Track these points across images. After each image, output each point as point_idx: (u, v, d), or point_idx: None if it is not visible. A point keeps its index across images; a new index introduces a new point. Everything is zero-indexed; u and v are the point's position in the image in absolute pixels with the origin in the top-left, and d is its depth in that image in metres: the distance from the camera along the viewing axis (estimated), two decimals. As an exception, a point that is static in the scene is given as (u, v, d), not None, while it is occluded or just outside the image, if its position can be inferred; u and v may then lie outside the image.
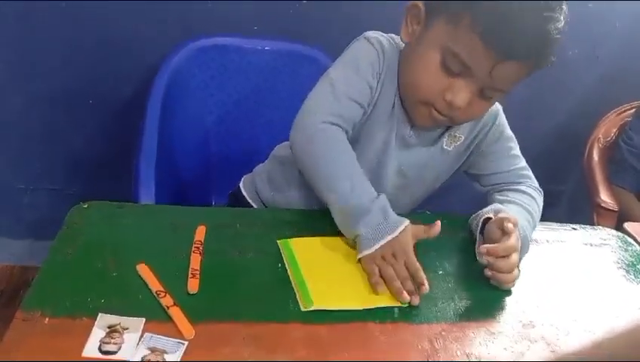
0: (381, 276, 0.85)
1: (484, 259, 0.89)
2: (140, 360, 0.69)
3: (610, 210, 1.59)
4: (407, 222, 0.89)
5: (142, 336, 0.73)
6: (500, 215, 0.94)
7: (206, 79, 1.55)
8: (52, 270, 0.82)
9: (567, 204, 2.19)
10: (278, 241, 0.94)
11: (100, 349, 0.70)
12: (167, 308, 0.77)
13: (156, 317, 0.76)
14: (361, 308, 0.83)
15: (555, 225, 1.13)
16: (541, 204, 1.08)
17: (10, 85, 1.71)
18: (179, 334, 0.74)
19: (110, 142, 1.83)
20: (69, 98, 1.76)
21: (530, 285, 0.94)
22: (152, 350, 0.71)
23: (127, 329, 0.74)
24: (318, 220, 1.01)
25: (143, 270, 0.84)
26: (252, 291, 0.84)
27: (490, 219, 0.96)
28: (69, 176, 1.88)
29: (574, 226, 1.14)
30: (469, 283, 0.92)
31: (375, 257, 0.87)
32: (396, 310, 0.84)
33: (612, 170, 1.73)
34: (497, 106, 1.08)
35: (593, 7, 1.83)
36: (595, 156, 1.75)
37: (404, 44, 0.99)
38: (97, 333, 0.72)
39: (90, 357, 0.69)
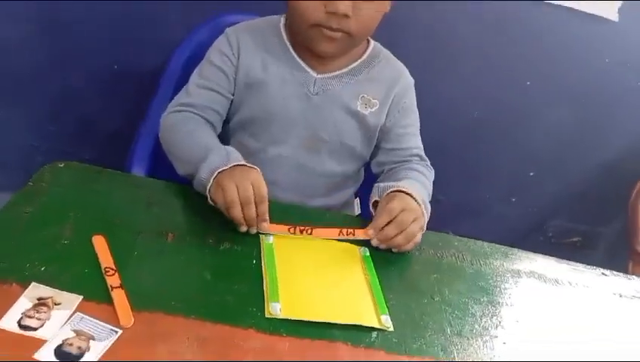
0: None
1: (381, 246, 0.88)
2: (59, 342, 0.60)
3: (649, 259, 1.43)
4: (246, 163, 0.87)
5: (72, 315, 0.63)
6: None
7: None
8: (1, 225, 0.74)
9: (605, 249, 2.03)
10: (260, 235, 0.84)
11: (19, 323, 0.61)
12: (112, 288, 0.68)
13: (96, 297, 0.66)
14: (333, 321, 0.71)
15: (581, 267, 0.99)
16: (431, 176, 1.07)
17: (33, 42, 1.67)
18: (115, 320, 0.64)
19: (130, 110, 1.76)
20: (93, 60, 1.71)
21: (536, 329, 0.82)
22: (78, 333, 0.62)
23: (58, 304, 0.65)
24: (309, 215, 0.92)
25: (98, 242, 0.74)
26: (215, 286, 0.74)
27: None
28: (83, 140, 1.82)
29: (605, 271, 1.00)
30: (467, 316, 0.79)
31: (219, 188, 0.83)
32: (374, 333, 0.72)
33: None
34: (411, 80, 1.09)
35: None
36: (643, 199, 1.59)
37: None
38: (22, 304, 0.63)
39: (6, 329, 0.60)
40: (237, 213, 0.81)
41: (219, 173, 0.84)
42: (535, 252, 1.02)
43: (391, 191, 0.92)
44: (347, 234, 0.88)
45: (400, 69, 1.08)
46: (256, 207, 0.82)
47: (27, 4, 1.63)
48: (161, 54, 1.62)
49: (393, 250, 0.88)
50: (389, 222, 0.87)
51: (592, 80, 1.78)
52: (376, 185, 0.99)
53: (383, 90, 1.04)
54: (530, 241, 2.01)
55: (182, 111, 1.00)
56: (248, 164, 0.87)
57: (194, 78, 1.04)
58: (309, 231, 0.87)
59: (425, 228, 0.92)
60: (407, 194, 0.92)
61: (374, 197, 0.96)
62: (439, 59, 1.72)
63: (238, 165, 0.86)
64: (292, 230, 0.86)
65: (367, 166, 1.14)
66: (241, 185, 0.82)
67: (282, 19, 1.04)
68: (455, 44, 1.72)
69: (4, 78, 1.74)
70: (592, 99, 1.81)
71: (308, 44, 0.98)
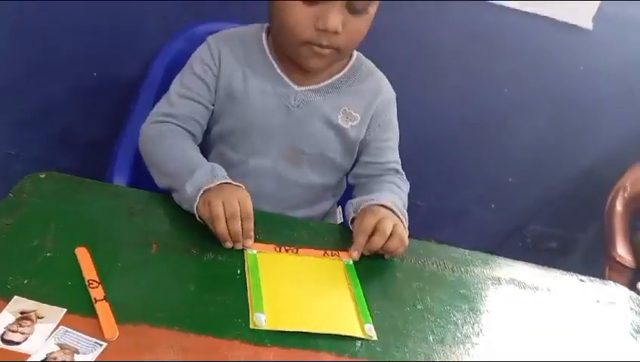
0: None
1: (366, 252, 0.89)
2: (43, 357, 0.59)
3: (624, 265, 1.46)
4: (232, 182, 0.87)
5: (56, 329, 0.63)
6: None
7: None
8: (-21, 238, 0.73)
9: (582, 254, 2.07)
10: (245, 247, 0.84)
11: (1, 337, 0.61)
12: (95, 301, 0.67)
13: (79, 311, 0.66)
14: (317, 331, 0.72)
15: (559, 273, 1.01)
16: (406, 188, 1.08)
17: (11, 50, 1.66)
18: (100, 333, 0.64)
19: (110, 119, 1.75)
20: (72, 69, 1.69)
21: (517, 336, 0.83)
22: (62, 347, 0.61)
23: (42, 318, 0.64)
24: (291, 226, 0.93)
25: (81, 254, 0.74)
26: (199, 297, 0.74)
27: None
28: (62, 148, 1.81)
29: (582, 278, 1.02)
30: (449, 324, 0.81)
31: (205, 204, 0.83)
32: (358, 343, 0.73)
33: None
34: (392, 94, 1.09)
35: (636, 42, 1.73)
36: (619, 206, 1.63)
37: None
38: (5, 318, 0.63)
39: (-12, 344, 0.60)
40: (222, 228, 0.81)
41: (205, 190, 0.84)
42: (514, 257, 1.03)
43: (364, 207, 0.93)
44: (332, 256, 0.88)
45: (382, 83, 1.08)
46: (241, 224, 0.82)
47: (5, 11, 1.61)
48: (139, 62, 1.62)
49: (386, 256, 0.90)
50: (370, 236, 0.87)
51: (568, 87, 1.82)
52: (349, 201, 0.99)
53: (364, 104, 1.04)
54: (509, 247, 2.04)
55: (164, 122, 0.99)
56: (234, 183, 0.87)
57: (175, 86, 1.03)
58: (295, 251, 0.87)
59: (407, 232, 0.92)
60: (381, 206, 0.92)
61: (351, 214, 0.96)
62: (420, 67, 1.74)
63: (224, 183, 0.86)
64: (277, 249, 0.86)
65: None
66: (227, 201, 0.81)
67: (264, 30, 1.04)
68: (435, 52, 1.74)
69: (-20, 86, 1.72)
70: (569, 106, 1.85)
71: (297, 60, 0.97)
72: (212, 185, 0.85)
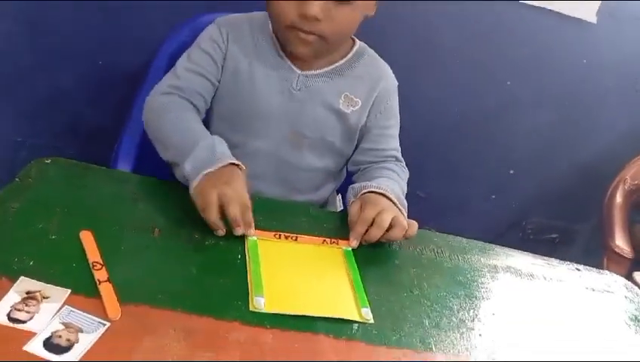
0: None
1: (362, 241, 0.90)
2: (48, 335, 0.61)
3: (622, 256, 1.47)
4: (233, 160, 0.88)
5: (61, 308, 0.65)
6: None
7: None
8: (-13, 221, 0.75)
9: (582, 245, 2.08)
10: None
11: (8, 316, 0.62)
12: (99, 282, 0.69)
13: (83, 291, 0.68)
14: (315, 315, 0.74)
15: (555, 262, 1.03)
16: (405, 176, 1.10)
17: (20, 40, 1.67)
18: (103, 313, 0.66)
19: (115, 107, 1.77)
20: (78, 58, 1.71)
21: (512, 322, 0.85)
22: (67, 326, 0.63)
23: (47, 298, 0.66)
24: (293, 214, 0.95)
25: (86, 238, 0.76)
26: (200, 280, 0.75)
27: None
28: (69, 135, 1.83)
29: (578, 266, 1.04)
30: (445, 309, 0.82)
31: (204, 188, 0.83)
32: (355, 326, 0.74)
33: None
34: (394, 82, 1.11)
35: (636, 39, 1.73)
36: (618, 197, 1.64)
37: None
38: (11, 297, 0.65)
39: (-6, 321, 0.62)
40: (213, 217, 0.81)
41: (204, 175, 0.85)
42: (514, 248, 1.05)
43: (365, 193, 0.94)
44: (331, 243, 0.90)
45: (384, 70, 1.09)
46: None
47: (13, 3, 1.63)
48: (144, 52, 1.63)
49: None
50: (369, 228, 0.88)
51: (570, 81, 1.83)
52: (350, 186, 1.01)
53: (366, 90, 1.05)
54: (510, 238, 2.05)
55: (170, 93, 1.00)
56: (235, 161, 0.88)
57: (182, 61, 1.04)
58: (294, 238, 0.88)
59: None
60: (381, 193, 0.94)
61: (351, 199, 0.97)
62: (422, 59, 1.74)
63: (224, 166, 0.86)
64: (277, 236, 0.88)
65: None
66: (222, 192, 0.82)
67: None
68: (438, 45, 1.75)
69: (-12, 74, 1.74)
70: (571, 99, 1.85)
71: (285, 44, 1.00)
72: (211, 170, 0.85)
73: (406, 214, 0.96)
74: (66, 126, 1.83)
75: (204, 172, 0.85)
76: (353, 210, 0.92)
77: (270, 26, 1.03)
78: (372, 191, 0.95)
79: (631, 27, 1.75)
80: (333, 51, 1.03)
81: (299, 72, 1.02)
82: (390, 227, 0.89)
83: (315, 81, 1.03)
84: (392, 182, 1.00)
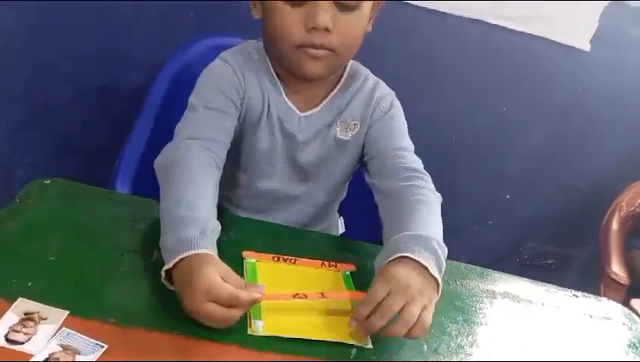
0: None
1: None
2: (45, 357, 0.61)
3: (619, 283, 1.48)
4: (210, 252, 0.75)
5: (59, 330, 0.65)
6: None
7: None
8: (-14, 241, 0.75)
9: (578, 271, 2.08)
10: (243, 256, 0.86)
11: (6, 337, 0.62)
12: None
13: (81, 313, 0.68)
14: (313, 338, 0.73)
15: (553, 288, 1.03)
16: (437, 201, 0.97)
17: (21, 58, 1.69)
18: (100, 335, 0.65)
19: (113, 127, 1.78)
20: (78, 77, 1.73)
21: (510, 348, 0.84)
22: (64, 347, 0.63)
23: (45, 319, 0.66)
24: (293, 239, 0.95)
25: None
26: (198, 302, 0.75)
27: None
28: (65, 155, 1.83)
29: (576, 293, 1.03)
30: (443, 335, 0.82)
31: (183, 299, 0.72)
32: (354, 351, 0.74)
33: None
34: (388, 90, 1.06)
35: (633, 64, 1.76)
36: (614, 224, 1.64)
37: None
38: (10, 318, 0.64)
39: (-8, 343, 0.61)
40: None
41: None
42: (510, 273, 1.05)
43: (393, 259, 0.80)
44: (329, 266, 0.89)
45: (377, 84, 1.06)
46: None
47: (14, 19, 1.64)
48: (144, 72, 1.65)
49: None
50: (374, 309, 0.75)
51: (565, 106, 1.85)
52: (378, 256, 0.85)
53: (362, 107, 1.03)
54: (506, 263, 2.05)
55: (192, 138, 0.90)
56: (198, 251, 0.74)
57: (198, 100, 0.96)
58: (293, 261, 0.88)
59: (433, 302, 0.78)
60: (409, 258, 0.79)
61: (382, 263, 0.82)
62: (418, 84, 1.76)
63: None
64: (276, 258, 0.88)
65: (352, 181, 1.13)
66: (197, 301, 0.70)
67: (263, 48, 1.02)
68: (434, 71, 1.77)
69: (-14, 92, 1.75)
70: (566, 125, 1.87)
71: (293, 67, 0.96)
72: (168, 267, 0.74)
73: (443, 264, 0.82)
74: (64, 146, 1.84)
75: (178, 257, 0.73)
76: (375, 288, 0.77)
77: (267, 59, 1.00)
78: (403, 256, 0.80)
79: (624, 54, 1.78)
80: (342, 67, 1.01)
81: (299, 113, 1.01)
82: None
83: (315, 120, 1.02)
84: (423, 225, 0.87)
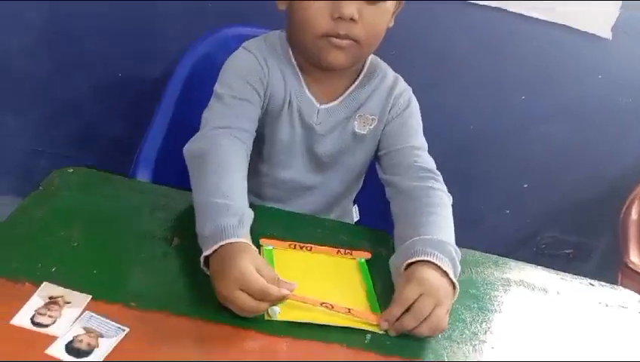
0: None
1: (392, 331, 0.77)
2: (70, 339, 0.63)
3: (637, 272, 1.47)
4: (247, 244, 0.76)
5: (82, 314, 0.67)
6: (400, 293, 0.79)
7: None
8: (12, 228, 0.78)
9: (597, 261, 2.06)
10: (260, 243, 0.87)
11: (32, 320, 0.65)
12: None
13: (104, 297, 0.70)
14: (329, 324, 0.75)
15: (569, 277, 1.03)
16: (449, 202, 1.00)
17: (40, 50, 1.72)
18: (122, 319, 0.67)
19: (133, 118, 1.80)
20: (99, 69, 1.76)
21: (524, 335, 0.85)
22: (88, 330, 0.65)
23: (69, 303, 0.68)
24: (310, 226, 0.96)
25: None
26: (216, 288, 0.77)
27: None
28: (87, 146, 1.86)
29: (592, 282, 1.03)
30: (457, 322, 0.83)
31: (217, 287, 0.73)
32: (369, 336, 0.75)
33: None
34: (406, 86, 1.07)
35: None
36: (634, 214, 1.63)
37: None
38: (35, 302, 0.67)
39: (19, 325, 0.64)
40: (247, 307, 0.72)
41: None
42: (528, 262, 1.05)
43: (413, 262, 0.82)
44: (345, 254, 0.91)
45: (396, 80, 1.07)
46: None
47: (36, 13, 1.67)
48: (162, 64, 1.67)
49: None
50: (405, 311, 0.77)
51: (585, 95, 1.83)
52: (394, 255, 0.88)
53: (381, 104, 1.05)
54: (524, 252, 2.04)
55: (221, 127, 0.92)
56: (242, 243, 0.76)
57: (224, 88, 0.97)
58: (309, 249, 0.90)
59: (451, 304, 0.81)
60: (430, 262, 0.81)
61: (399, 266, 0.84)
62: (437, 74, 1.76)
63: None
64: (292, 246, 0.89)
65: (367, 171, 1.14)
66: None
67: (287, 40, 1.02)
68: (453, 60, 1.76)
69: (9, 84, 1.78)
70: (586, 114, 1.85)
71: (316, 56, 0.96)
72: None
73: (458, 268, 0.85)
74: (85, 135, 1.87)
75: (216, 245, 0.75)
76: (399, 285, 0.81)
77: (292, 53, 1.01)
78: (425, 261, 0.82)
79: (646, 43, 1.75)
80: (363, 59, 1.02)
81: (318, 105, 1.02)
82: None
83: (333, 113, 1.03)
84: (441, 230, 0.89)
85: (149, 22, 1.70)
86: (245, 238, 0.77)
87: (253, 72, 0.98)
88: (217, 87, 0.98)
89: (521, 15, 1.68)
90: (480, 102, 1.83)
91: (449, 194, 1.00)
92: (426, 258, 0.82)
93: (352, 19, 0.90)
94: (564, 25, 1.70)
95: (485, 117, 1.85)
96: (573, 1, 1.65)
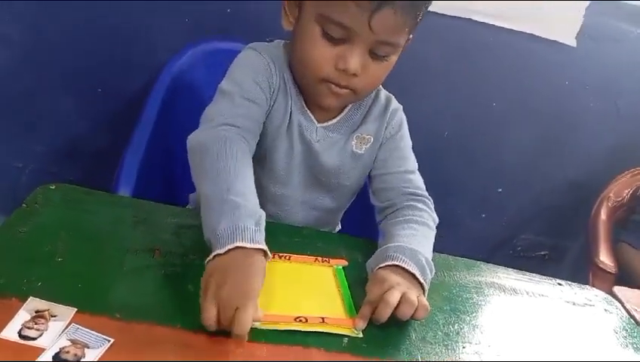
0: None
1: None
2: (57, 350, 0.66)
3: (607, 272, 1.52)
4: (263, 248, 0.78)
5: (68, 326, 0.69)
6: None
7: (211, 81, 1.53)
8: (-1, 244, 0.80)
9: (571, 262, 2.12)
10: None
11: (19, 333, 0.67)
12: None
13: (89, 310, 0.72)
14: (307, 330, 0.78)
15: (537, 277, 1.07)
16: (431, 221, 1.03)
17: (22, 65, 1.74)
18: (107, 331, 0.70)
19: (113, 133, 1.82)
20: (79, 84, 1.78)
21: (495, 335, 0.89)
22: (74, 342, 0.67)
23: (55, 316, 0.70)
24: (287, 236, 0.99)
25: None
26: (198, 298, 0.79)
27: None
28: (69, 161, 1.88)
29: (560, 281, 1.08)
30: (430, 323, 0.86)
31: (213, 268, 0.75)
32: (345, 340, 0.79)
33: (630, 229, 1.66)
34: (399, 106, 1.10)
35: (619, 58, 1.80)
36: (603, 214, 1.69)
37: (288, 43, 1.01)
38: (22, 316, 0.69)
39: (7, 338, 0.66)
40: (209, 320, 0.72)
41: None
42: (504, 265, 1.09)
43: (381, 267, 0.88)
44: (322, 262, 0.94)
45: (389, 97, 1.10)
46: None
47: (14, 27, 1.68)
48: (144, 77, 1.70)
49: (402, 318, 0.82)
50: (375, 308, 0.81)
51: (554, 101, 1.89)
52: (369, 260, 0.92)
53: (377, 124, 1.07)
54: (500, 255, 2.09)
55: (228, 125, 0.91)
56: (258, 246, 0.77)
57: (232, 86, 0.96)
58: (288, 258, 0.93)
59: (422, 293, 0.86)
60: (397, 266, 0.87)
61: (370, 271, 0.91)
62: (410, 82, 1.79)
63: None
64: (272, 255, 0.92)
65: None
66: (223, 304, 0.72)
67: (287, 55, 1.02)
68: (425, 68, 1.81)
69: (-11, 100, 1.79)
70: (555, 119, 1.91)
71: (312, 95, 0.99)
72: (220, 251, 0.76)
73: (427, 283, 0.88)
74: (66, 151, 1.88)
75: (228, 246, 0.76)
76: (367, 287, 0.86)
77: (290, 73, 1.01)
78: (389, 265, 0.87)
79: (610, 48, 1.82)
80: (357, 102, 1.04)
81: (317, 124, 1.04)
82: (399, 304, 0.80)
83: (331, 132, 1.05)
84: (416, 242, 0.93)
85: (128, 36, 1.72)
86: (263, 244, 0.78)
87: (263, 75, 0.98)
88: (225, 84, 0.97)
89: (487, 24, 1.73)
90: (452, 110, 1.88)
91: (435, 218, 1.04)
92: (394, 262, 0.87)
93: (354, 74, 0.91)
94: (530, 33, 1.75)
95: (458, 123, 1.90)
96: (537, 10, 1.71)
